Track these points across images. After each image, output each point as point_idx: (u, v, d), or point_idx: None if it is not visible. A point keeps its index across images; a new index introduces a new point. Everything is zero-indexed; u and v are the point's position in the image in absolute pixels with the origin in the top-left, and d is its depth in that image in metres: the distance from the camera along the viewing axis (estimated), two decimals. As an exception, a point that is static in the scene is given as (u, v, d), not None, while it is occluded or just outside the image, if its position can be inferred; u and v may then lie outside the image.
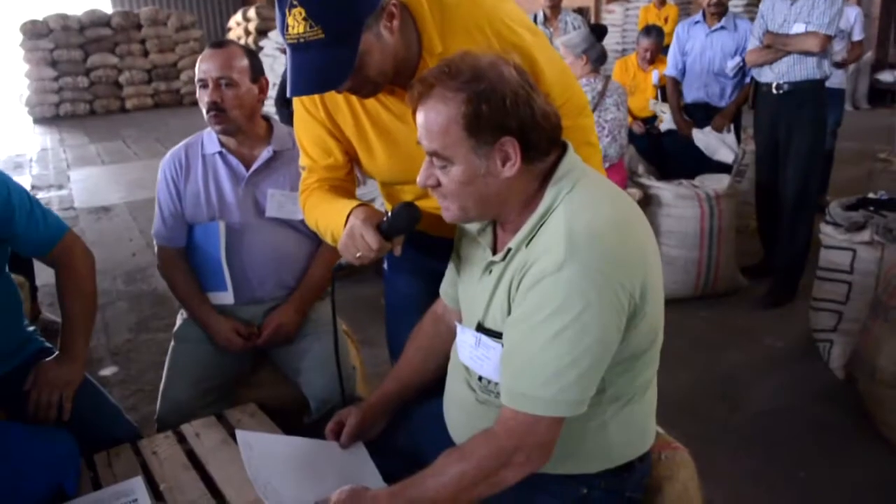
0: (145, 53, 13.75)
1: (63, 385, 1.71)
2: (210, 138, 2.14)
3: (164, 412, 1.92)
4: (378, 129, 1.53)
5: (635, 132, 4.84)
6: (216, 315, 2.07)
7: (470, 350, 1.31)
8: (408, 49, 1.40)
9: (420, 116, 1.19)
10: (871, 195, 3.30)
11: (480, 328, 1.29)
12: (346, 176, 1.65)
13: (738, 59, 4.27)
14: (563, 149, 1.25)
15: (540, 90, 1.21)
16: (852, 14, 5.08)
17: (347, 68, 1.27)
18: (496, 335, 1.25)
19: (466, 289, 1.39)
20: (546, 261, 1.13)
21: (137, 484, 1.46)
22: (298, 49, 1.26)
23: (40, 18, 12.61)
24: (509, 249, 1.22)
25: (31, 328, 1.97)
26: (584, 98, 1.62)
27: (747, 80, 4.30)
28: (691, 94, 4.40)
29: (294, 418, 1.97)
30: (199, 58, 2.07)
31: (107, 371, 3.37)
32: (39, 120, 12.79)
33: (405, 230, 1.37)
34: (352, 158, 1.63)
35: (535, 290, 1.14)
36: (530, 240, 1.19)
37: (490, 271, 1.28)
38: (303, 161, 1.64)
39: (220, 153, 2.12)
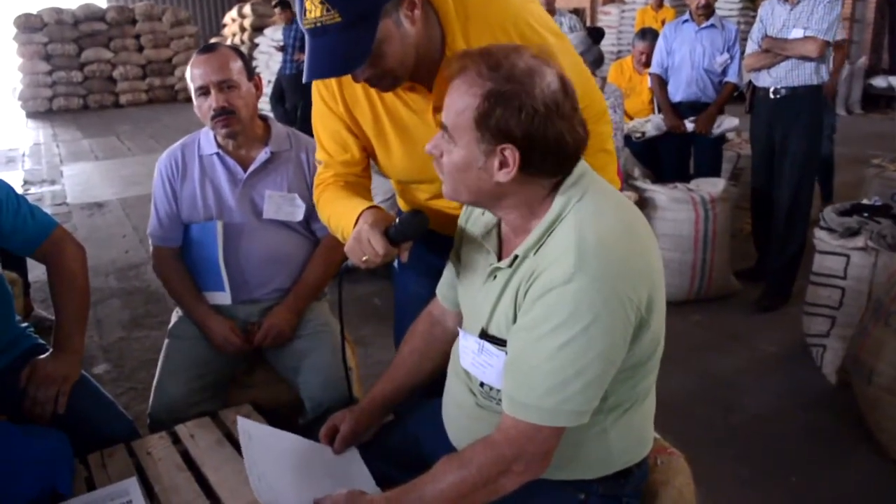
0: (140, 49, 13.70)
1: (60, 380, 1.70)
2: (207, 139, 2.13)
3: (156, 409, 1.91)
4: (396, 126, 1.53)
5: (632, 138, 4.84)
6: (213, 315, 2.06)
7: (472, 356, 1.30)
8: (430, 43, 1.39)
9: (450, 88, 1.19)
10: (865, 201, 3.32)
11: (484, 335, 1.28)
12: (363, 172, 1.64)
13: (726, 55, 4.29)
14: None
15: (576, 116, 1.18)
16: None
17: (364, 53, 1.26)
18: (500, 343, 1.24)
19: (468, 293, 1.38)
20: (555, 271, 1.12)
21: (132, 485, 1.45)
22: (316, 34, 1.25)
23: (34, 12, 12.54)
24: (516, 256, 1.21)
25: (25, 325, 1.95)
26: (603, 104, 1.61)
27: (727, 78, 4.32)
28: (681, 92, 4.40)
29: (288, 419, 1.96)
30: (191, 64, 2.02)
31: (99, 369, 3.36)
32: (32, 114, 12.73)
33: (413, 237, 1.36)
34: (369, 155, 1.63)
35: (542, 301, 1.13)
36: (538, 248, 1.18)
37: (495, 277, 1.27)
38: (319, 155, 1.64)
39: (218, 154, 2.10)
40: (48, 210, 6.44)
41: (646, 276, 1.16)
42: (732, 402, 2.89)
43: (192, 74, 2.02)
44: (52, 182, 7.61)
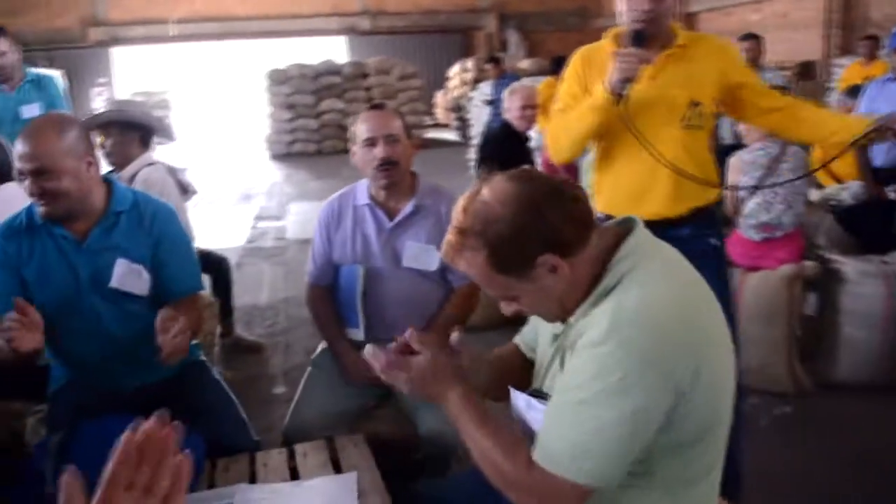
0: (369, 100, 14.90)
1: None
2: (362, 190, 2.37)
3: (289, 428, 2.15)
4: None
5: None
6: (350, 350, 2.27)
7: (521, 414, 1.37)
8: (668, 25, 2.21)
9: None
10: None
11: (535, 393, 1.35)
12: None
13: None
14: (630, 228, 1.29)
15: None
16: None
17: None
18: (546, 398, 1.30)
19: (540, 353, 1.46)
20: (591, 333, 1.18)
21: (239, 489, 1.65)
22: None
23: (283, 67, 14.16)
24: (569, 324, 1.28)
25: (193, 342, 2.25)
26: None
27: None
28: (882, 156, 4.04)
29: (404, 455, 2.11)
30: (361, 119, 2.29)
31: (277, 389, 3.73)
32: (275, 157, 14.27)
33: (647, 37, 2.12)
34: None
35: (575, 359, 1.20)
36: (587, 315, 1.24)
37: (554, 342, 1.35)
38: (558, 105, 2.34)
39: (369, 205, 2.34)
40: (270, 243, 7.25)
41: (691, 347, 1.16)
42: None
43: (361, 128, 2.27)
44: (278, 218, 8.49)
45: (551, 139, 2.38)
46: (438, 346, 1.40)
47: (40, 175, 1.84)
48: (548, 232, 1.20)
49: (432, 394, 1.35)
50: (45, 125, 1.89)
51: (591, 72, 2.26)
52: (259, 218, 8.53)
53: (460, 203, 1.27)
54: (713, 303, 1.28)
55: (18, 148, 1.85)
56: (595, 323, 1.18)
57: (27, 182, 1.86)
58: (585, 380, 1.15)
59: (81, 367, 2.08)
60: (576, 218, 1.22)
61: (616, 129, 2.19)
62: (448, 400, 1.32)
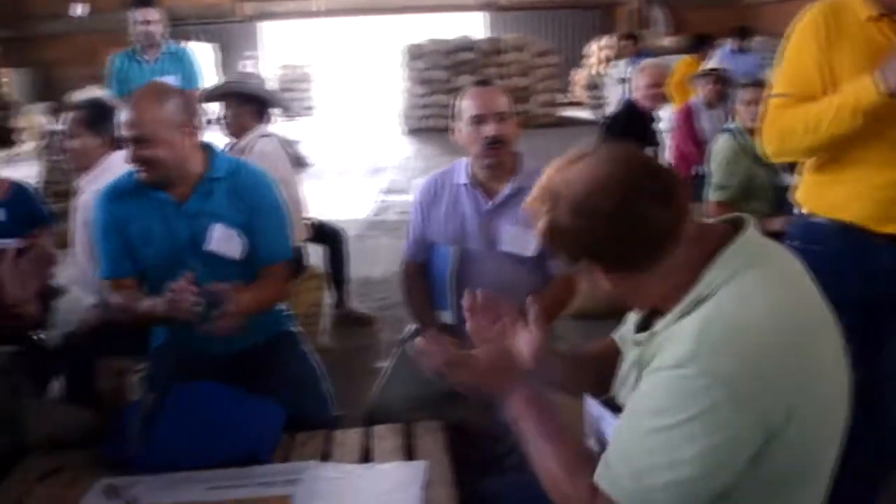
0: (501, 77, 14.78)
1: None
2: (461, 168, 2.31)
3: (372, 408, 2.14)
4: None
5: None
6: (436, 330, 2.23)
7: (595, 423, 1.28)
8: None
9: None
10: None
11: (608, 402, 1.25)
12: None
13: None
14: (738, 228, 1.14)
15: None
16: None
17: None
18: (619, 411, 1.19)
19: (623, 355, 1.34)
20: (672, 351, 1.05)
21: (310, 465, 1.65)
22: None
23: (419, 42, 14.28)
24: (653, 333, 1.16)
25: (287, 312, 2.28)
26: None
27: None
28: None
29: (487, 445, 2.04)
30: (468, 96, 2.22)
31: (381, 364, 3.75)
32: (408, 131, 14.46)
33: None
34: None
35: (650, 378, 1.08)
36: (672, 325, 1.11)
37: (635, 348, 1.23)
38: (781, 89, 1.84)
39: (468, 184, 2.27)
40: (393, 217, 7.34)
41: (789, 381, 1.01)
42: None
43: (468, 105, 2.20)
44: (402, 192, 8.58)
45: (776, 137, 1.87)
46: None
47: (138, 143, 1.92)
48: (595, 245, 1.10)
49: (495, 389, 1.28)
50: (147, 95, 1.97)
51: (840, 42, 1.73)
52: (386, 191, 8.66)
53: (550, 167, 1.18)
54: (829, 327, 1.11)
55: (122, 116, 1.94)
56: (678, 339, 1.05)
57: (128, 149, 1.94)
58: (661, 406, 1.03)
59: (177, 326, 2.15)
60: (643, 237, 1.08)
61: (871, 125, 1.72)
62: (512, 399, 1.25)
